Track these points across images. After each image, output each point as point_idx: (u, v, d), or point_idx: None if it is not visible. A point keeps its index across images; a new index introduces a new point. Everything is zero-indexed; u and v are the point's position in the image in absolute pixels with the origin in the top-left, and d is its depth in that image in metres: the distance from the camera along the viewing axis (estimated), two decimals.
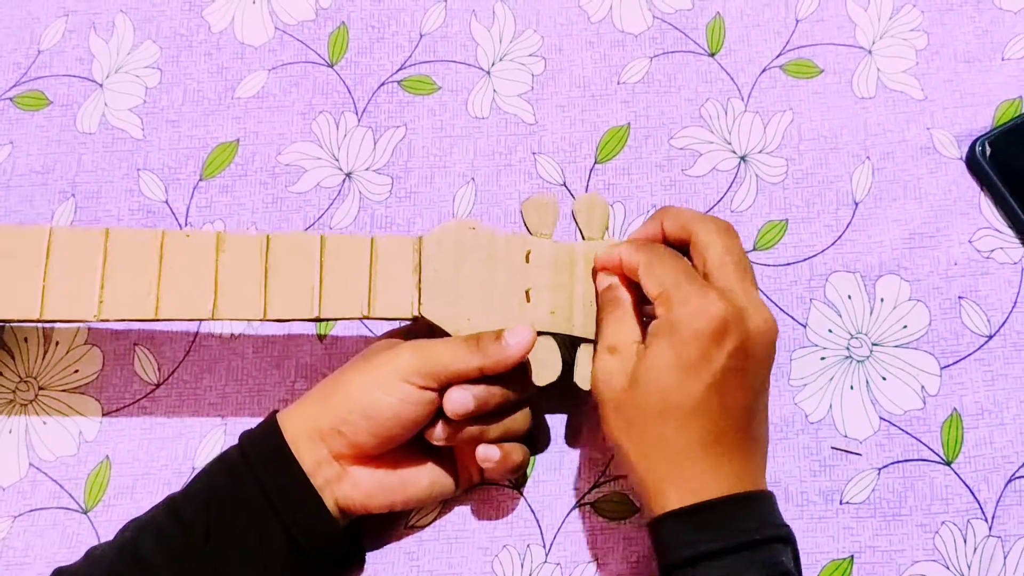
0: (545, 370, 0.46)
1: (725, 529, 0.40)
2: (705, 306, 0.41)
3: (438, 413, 0.45)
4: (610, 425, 0.44)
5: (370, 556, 0.49)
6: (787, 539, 0.42)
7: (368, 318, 0.46)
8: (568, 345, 0.48)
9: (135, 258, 0.45)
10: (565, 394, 0.48)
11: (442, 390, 0.44)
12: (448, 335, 0.46)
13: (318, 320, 0.46)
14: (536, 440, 0.51)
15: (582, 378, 0.47)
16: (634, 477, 0.44)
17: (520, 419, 0.47)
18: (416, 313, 0.46)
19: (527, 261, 0.47)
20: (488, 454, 0.45)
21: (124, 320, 0.45)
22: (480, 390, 0.44)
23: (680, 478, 0.42)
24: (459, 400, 0.44)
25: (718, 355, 0.41)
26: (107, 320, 0.45)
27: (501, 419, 0.46)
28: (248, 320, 0.48)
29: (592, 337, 0.47)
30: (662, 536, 0.42)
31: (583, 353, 0.47)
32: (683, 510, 0.41)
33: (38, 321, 0.45)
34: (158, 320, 0.45)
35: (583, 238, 0.49)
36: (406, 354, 0.44)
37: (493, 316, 0.46)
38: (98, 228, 0.46)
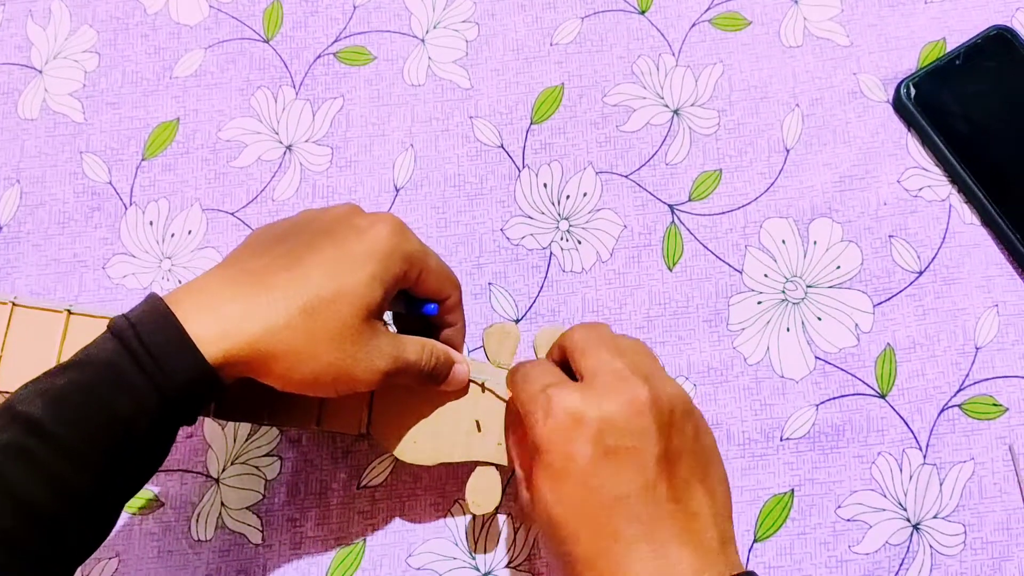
0: (485, 500, 0.46)
1: None
2: (546, 413, 0.40)
3: None
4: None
5: (323, 517, 0.50)
6: None
7: (319, 430, 0.48)
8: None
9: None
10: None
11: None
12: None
13: (270, 426, 0.49)
14: None
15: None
16: None
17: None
18: (363, 431, 0.46)
19: (483, 391, 0.47)
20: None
21: None
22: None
23: None
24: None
25: (579, 448, 0.39)
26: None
27: None
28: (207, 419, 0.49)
29: None
30: None
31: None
32: None
33: None
34: None
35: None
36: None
37: (440, 442, 0.47)
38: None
